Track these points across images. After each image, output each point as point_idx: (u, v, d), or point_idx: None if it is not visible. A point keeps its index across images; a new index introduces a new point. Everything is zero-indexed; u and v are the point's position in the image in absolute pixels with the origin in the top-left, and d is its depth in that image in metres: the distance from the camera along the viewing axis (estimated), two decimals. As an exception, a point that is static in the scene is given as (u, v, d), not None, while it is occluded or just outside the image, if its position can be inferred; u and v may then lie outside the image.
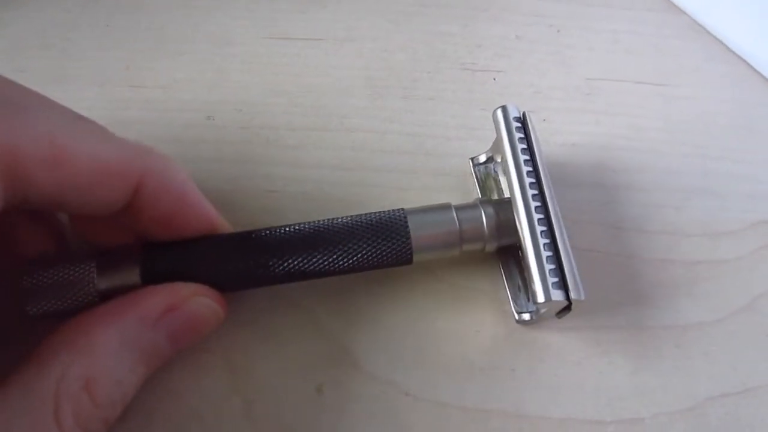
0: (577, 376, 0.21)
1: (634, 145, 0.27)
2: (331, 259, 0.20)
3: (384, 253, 0.20)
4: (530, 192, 0.20)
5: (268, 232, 0.21)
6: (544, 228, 0.19)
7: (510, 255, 0.23)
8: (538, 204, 0.20)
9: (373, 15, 0.32)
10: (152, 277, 0.20)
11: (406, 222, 0.20)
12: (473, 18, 0.32)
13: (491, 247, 0.21)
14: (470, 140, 0.27)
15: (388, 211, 0.21)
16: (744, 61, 0.30)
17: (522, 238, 0.19)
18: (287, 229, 0.21)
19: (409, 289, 0.23)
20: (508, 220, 0.20)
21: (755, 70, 0.30)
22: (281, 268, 0.20)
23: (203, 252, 0.20)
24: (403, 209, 0.21)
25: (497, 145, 0.22)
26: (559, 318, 0.21)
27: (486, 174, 0.25)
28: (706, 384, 0.21)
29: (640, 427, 0.20)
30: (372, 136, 0.27)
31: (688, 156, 0.27)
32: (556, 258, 0.19)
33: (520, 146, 0.21)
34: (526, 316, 0.21)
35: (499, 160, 0.24)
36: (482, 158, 0.25)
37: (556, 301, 0.18)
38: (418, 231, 0.20)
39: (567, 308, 0.19)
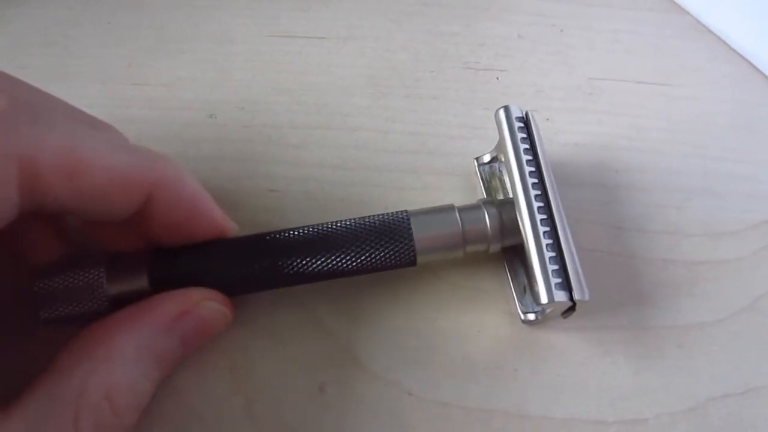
0: (580, 376, 0.21)
1: (635, 144, 0.27)
2: (335, 262, 0.20)
3: (388, 256, 0.20)
4: (533, 192, 0.20)
5: (273, 235, 0.21)
6: (547, 228, 0.19)
7: (515, 255, 0.23)
8: (541, 204, 0.20)
9: (375, 14, 0.32)
10: (160, 282, 0.20)
11: (410, 224, 0.20)
12: (475, 17, 0.32)
13: (495, 248, 0.21)
14: (473, 139, 0.27)
15: (392, 213, 0.21)
16: (746, 60, 0.30)
17: (525, 239, 0.19)
18: (292, 232, 0.21)
19: (412, 288, 0.23)
20: (512, 220, 0.20)
21: (757, 70, 0.30)
22: (286, 271, 0.20)
23: (210, 257, 0.20)
24: (406, 211, 0.21)
25: (500, 145, 0.22)
26: (565, 318, 0.21)
27: (491, 174, 0.25)
28: (708, 384, 0.21)
29: (642, 427, 0.20)
30: (374, 135, 0.27)
31: (690, 156, 0.27)
32: (560, 258, 0.19)
33: (523, 146, 0.21)
34: (532, 316, 0.21)
35: (503, 159, 0.24)
36: (486, 158, 0.25)
37: (560, 302, 0.18)
38: (422, 233, 0.20)
39: (572, 308, 0.19)
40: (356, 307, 0.22)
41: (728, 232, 0.24)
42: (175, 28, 0.31)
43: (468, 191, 0.25)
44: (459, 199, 0.22)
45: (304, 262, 0.20)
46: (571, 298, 0.18)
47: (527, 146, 0.21)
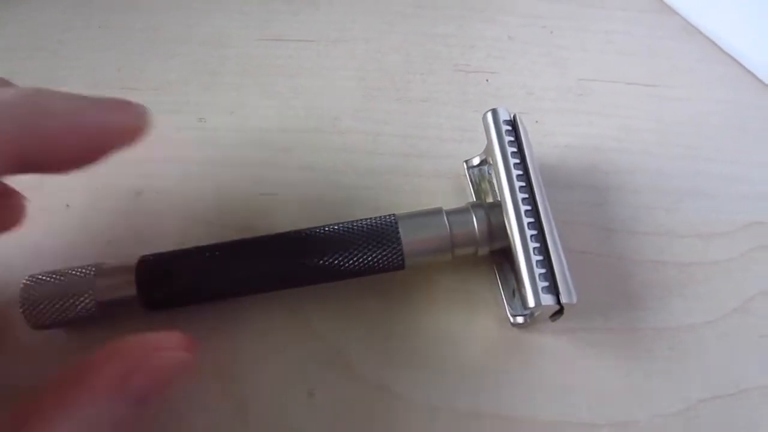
0: (570, 378, 0.21)
1: (626, 146, 0.27)
2: (323, 266, 0.20)
3: (376, 260, 0.20)
4: (520, 195, 0.20)
5: (262, 239, 0.21)
6: (534, 231, 0.19)
7: (504, 258, 0.23)
8: (528, 207, 0.20)
9: (366, 16, 0.32)
10: (147, 287, 0.20)
11: (397, 228, 0.20)
12: (466, 19, 0.32)
13: (483, 251, 0.21)
14: (464, 142, 0.27)
15: (380, 217, 0.21)
16: (737, 62, 0.30)
17: (512, 242, 0.19)
18: (280, 237, 0.21)
19: (401, 291, 0.23)
20: (500, 223, 0.20)
21: (748, 71, 0.30)
22: (275, 275, 0.20)
23: (198, 262, 0.20)
24: (394, 215, 0.21)
25: (488, 149, 0.22)
26: (554, 321, 0.21)
27: (480, 176, 0.25)
28: (699, 386, 0.21)
29: (633, 429, 0.20)
30: (365, 138, 0.27)
31: (681, 157, 0.27)
32: (548, 261, 0.19)
33: (510, 149, 0.21)
34: (521, 320, 0.21)
35: (491, 162, 0.24)
36: (476, 161, 0.25)
37: (547, 306, 0.18)
38: (410, 237, 0.20)
39: (560, 311, 0.19)
40: (346, 310, 0.22)
41: (719, 233, 0.24)
42: (165, 32, 0.31)
43: (458, 194, 0.25)
44: (449, 202, 0.22)
45: (291, 266, 0.20)
46: (558, 301, 0.18)
47: (515, 149, 0.21)
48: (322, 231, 0.21)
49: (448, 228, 0.20)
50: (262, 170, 0.26)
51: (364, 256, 0.20)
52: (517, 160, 0.20)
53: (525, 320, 0.21)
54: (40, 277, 0.20)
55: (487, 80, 0.29)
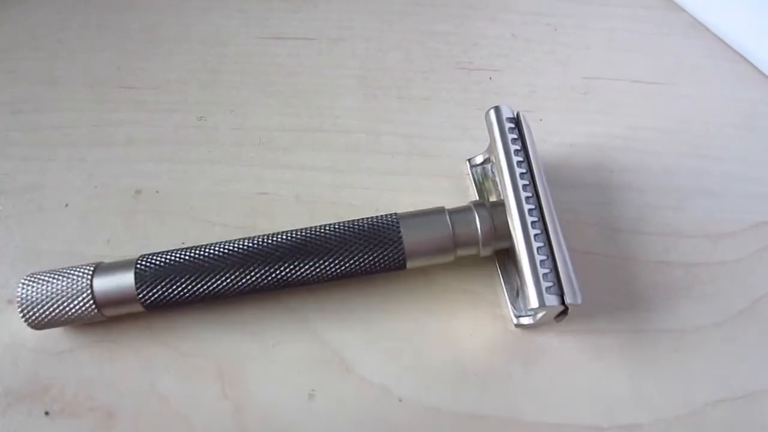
0: (574, 381, 0.21)
1: (631, 144, 0.26)
2: (323, 267, 0.20)
3: (377, 260, 0.20)
4: (524, 194, 0.19)
5: (262, 238, 0.20)
6: (538, 231, 0.19)
7: (507, 258, 0.22)
8: (532, 206, 0.19)
9: (366, 14, 0.31)
10: (146, 285, 0.20)
11: (399, 228, 0.20)
12: (468, 17, 0.31)
13: (486, 251, 0.21)
14: (466, 141, 0.26)
15: (381, 216, 0.21)
16: (744, 58, 0.30)
17: (515, 242, 0.19)
18: (282, 236, 0.20)
19: (403, 292, 0.22)
20: (503, 223, 0.20)
21: (756, 68, 0.29)
22: (275, 275, 0.20)
23: (197, 261, 0.20)
24: (395, 214, 0.21)
25: (491, 147, 0.22)
26: (558, 322, 0.20)
27: (484, 175, 0.25)
28: (705, 389, 0.21)
29: (637, 432, 0.20)
30: (365, 137, 0.27)
31: (687, 156, 0.26)
32: (552, 261, 0.19)
33: (514, 147, 0.20)
34: (524, 320, 0.21)
35: (494, 161, 0.24)
36: (479, 159, 0.25)
37: (551, 306, 0.18)
38: (411, 237, 0.20)
39: (564, 312, 0.19)
40: (346, 311, 0.22)
41: (726, 233, 0.24)
42: (164, 31, 0.31)
43: (461, 193, 0.25)
44: (452, 202, 0.22)
45: (293, 265, 0.20)
46: (562, 301, 0.18)
47: (518, 147, 0.20)
48: (322, 231, 0.21)
49: (450, 227, 0.20)
50: (261, 169, 0.26)
51: (365, 256, 0.20)
52: (521, 158, 0.20)
53: (529, 321, 0.21)
54: (38, 276, 0.20)
55: (489, 78, 0.29)
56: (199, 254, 0.20)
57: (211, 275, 0.20)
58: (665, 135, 0.27)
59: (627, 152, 0.26)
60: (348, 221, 0.21)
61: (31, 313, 0.20)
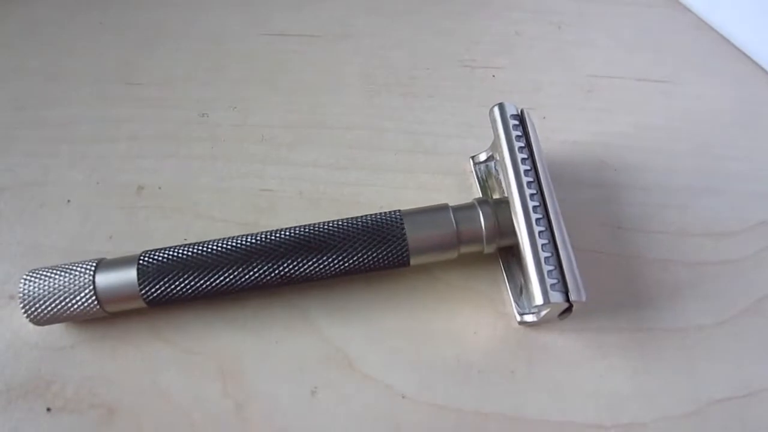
0: (577, 378, 0.21)
1: (635, 143, 0.26)
2: (326, 264, 0.20)
3: (381, 257, 0.20)
4: (528, 191, 0.19)
5: (265, 235, 0.20)
6: (542, 228, 0.19)
7: (511, 255, 0.22)
8: (537, 204, 0.19)
9: (369, 11, 0.31)
10: (148, 282, 0.20)
11: (403, 225, 0.20)
12: (472, 14, 0.31)
13: (490, 248, 0.21)
14: (469, 138, 0.26)
15: (385, 213, 0.21)
16: (749, 58, 0.29)
17: (520, 239, 0.19)
18: (284, 232, 0.20)
19: (406, 289, 0.22)
20: (507, 220, 0.20)
21: (760, 67, 0.29)
22: (278, 271, 0.20)
23: (200, 257, 0.20)
24: (399, 211, 0.21)
25: (495, 144, 0.22)
26: (562, 319, 0.20)
27: (487, 173, 0.24)
28: (708, 387, 0.21)
29: (640, 431, 0.20)
30: (369, 134, 0.27)
31: (691, 154, 0.26)
32: (556, 258, 0.18)
33: (518, 144, 0.20)
34: (528, 318, 0.21)
35: (498, 158, 0.23)
36: (482, 157, 0.25)
37: (555, 303, 0.18)
38: (415, 234, 0.20)
39: (568, 309, 0.19)
40: (349, 308, 0.22)
41: (730, 232, 0.24)
42: (167, 28, 0.31)
43: (464, 191, 0.25)
44: (455, 199, 0.22)
45: (296, 262, 0.20)
46: (567, 299, 0.18)
47: (522, 144, 0.20)
48: (325, 227, 0.20)
49: (454, 224, 0.20)
50: (264, 166, 0.26)
51: (369, 253, 0.20)
52: (525, 155, 0.20)
53: (533, 319, 0.21)
54: (40, 272, 0.20)
55: (493, 76, 0.29)
56: (202, 251, 0.20)
57: (214, 272, 0.20)
58: (669, 133, 0.27)
59: (631, 150, 0.26)
60: (351, 218, 0.21)
61: (33, 309, 0.20)
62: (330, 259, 0.20)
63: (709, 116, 0.27)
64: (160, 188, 0.25)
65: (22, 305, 0.20)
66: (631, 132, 0.27)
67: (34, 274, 0.20)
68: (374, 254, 0.20)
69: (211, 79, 0.28)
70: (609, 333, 0.22)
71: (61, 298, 0.20)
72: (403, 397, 0.20)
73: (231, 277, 0.20)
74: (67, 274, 0.20)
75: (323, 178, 0.25)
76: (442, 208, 0.21)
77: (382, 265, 0.20)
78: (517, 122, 0.21)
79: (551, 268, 0.18)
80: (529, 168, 0.20)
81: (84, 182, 0.25)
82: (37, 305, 0.20)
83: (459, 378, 0.21)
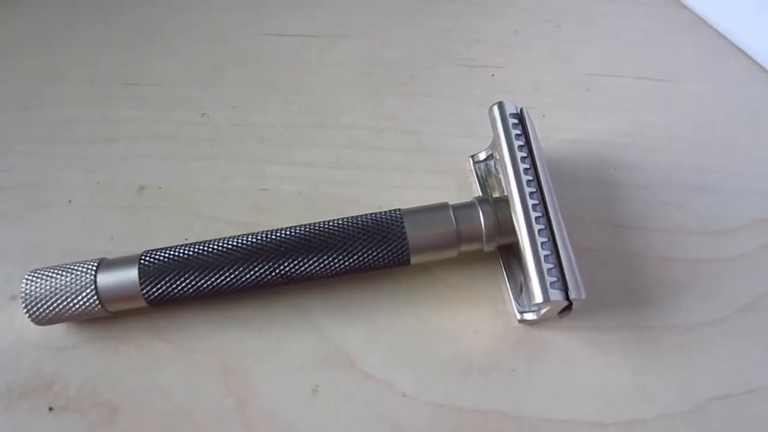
0: (577, 376, 0.21)
1: (635, 141, 0.26)
2: (327, 263, 0.20)
3: (381, 256, 0.20)
4: (528, 190, 0.19)
5: (265, 234, 0.20)
6: (542, 226, 0.19)
7: (511, 254, 0.22)
8: (536, 202, 0.19)
9: (368, 11, 0.31)
10: (149, 281, 0.20)
11: (403, 223, 0.20)
12: (471, 13, 0.31)
13: (490, 247, 0.21)
14: (469, 137, 0.26)
15: (385, 212, 0.21)
16: (747, 56, 0.29)
17: (519, 237, 0.19)
18: (284, 232, 0.20)
19: (406, 287, 0.22)
20: (507, 218, 0.20)
21: (759, 65, 0.29)
22: (278, 271, 0.20)
23: (200, 256, 0.20)
24: (399, 210, 0.21)
25: (494, 143, 0.22)
26: (561, 318, 0.20)
27: (487, 172, 0.25)
28: (708, 385, 0.21)
29: (641, 428, 0.20)
30: (368, 133, 0.27)
31: (690, 152, 0.26)
32: (556, 256, 0.19)
33: (517, 143, 0.20)
34: (528, 316, 0.21)
35: (498, 157, 0.24)
36: (482, 156, 0.25)
37: (555, 301, 0.18)
38: (415, 232, 0.20)
39: (568, 308, 0.19)
40: (350, 306, 0.22)
41: (730, 230, 0.24)
42: (166, 28, 0.31)
43: (463, 190, 0.25)
44: (454, 198, 0.22)
45: (296, 261, 0.20)
46: (566, 297, 0.18)
47: (522, 143, 0.20)
48: (325, 226, 0.21)
49: (454, 223, 0.20)
50: (263, 166, 0.26)
51: (369, 252, 0.20)
52: (524, 154, 0.20)
53: (533, 317, 0.21)
54: (42, 272, 0.20)
55: (492, 75, 0.29)
56: (203, 250, 0.20)
57: (215, 271, 0.20)
58: (669, 131, 0.27)
59: (630, 149, 0.26)
60: (351, 217, 0.21)
61: (34, 309, 0.20)
62: (330, 259, 0.20)
63: (708, 114, 0.27)
64: (160, 188, 0.25)
65: (24, 305, 0.20)
66: (631, 130, 0.27)
67: (36, 274, 0.20)
68: (375, 253, 0.20)
69: (210, 80, 0.29)
70: (609, 331, 0.22)
71: (63, 298, 0.20)
72: (404, 395, 0.20)
73: (232, 276, 0.20)
74: (68, 274, 0.20)
75: (323, 178, 0.25)
76: (442, 206, 0.21)
77: (382, 264, 0.20)
78: (516, 121, 0.21)
79: (551, 266, 0.18)
80: (528, 166, 0.20)
81: (84, 182, 0.25)
82: (39, 305, 0.20)
83: (459, 376, 0.21)
